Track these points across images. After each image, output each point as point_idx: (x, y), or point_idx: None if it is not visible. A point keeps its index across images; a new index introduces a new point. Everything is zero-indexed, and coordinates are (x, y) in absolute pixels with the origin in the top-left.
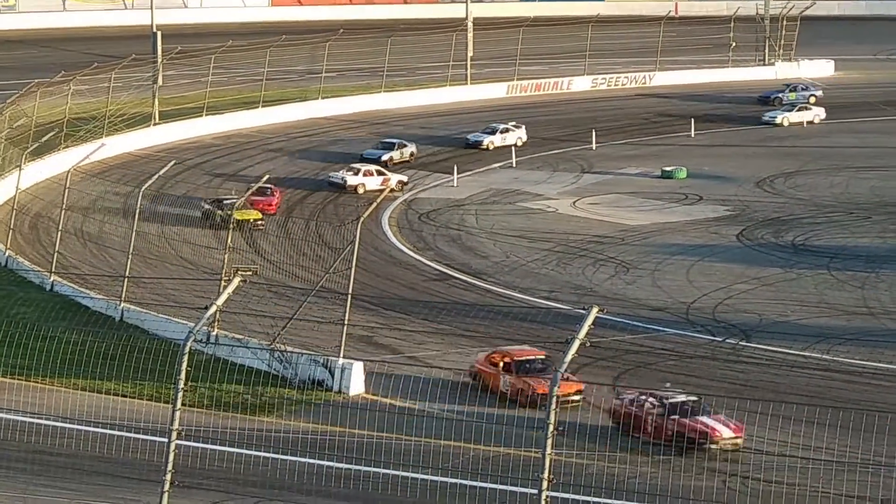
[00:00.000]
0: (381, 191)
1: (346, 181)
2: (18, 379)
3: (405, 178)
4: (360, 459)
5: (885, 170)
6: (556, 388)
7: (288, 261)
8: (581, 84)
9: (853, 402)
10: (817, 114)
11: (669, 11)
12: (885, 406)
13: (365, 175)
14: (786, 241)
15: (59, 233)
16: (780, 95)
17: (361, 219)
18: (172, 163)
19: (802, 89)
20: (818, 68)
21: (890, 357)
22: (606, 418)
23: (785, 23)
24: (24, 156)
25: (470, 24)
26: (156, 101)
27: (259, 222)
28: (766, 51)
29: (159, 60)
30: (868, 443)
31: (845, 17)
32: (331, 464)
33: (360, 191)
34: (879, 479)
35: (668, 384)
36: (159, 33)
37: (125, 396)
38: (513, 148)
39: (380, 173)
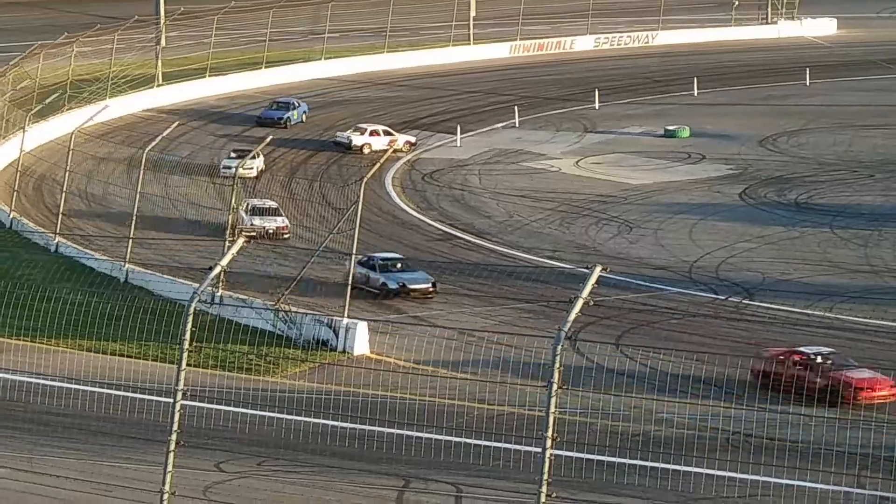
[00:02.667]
0: (386, 151)
1: (351, 141)
2: (24, 340)
3: (413, 139)
4: (363, 419)
5: (888, 128)
6: (559, 347)
7: (292, 221)
8: (584, 43)
9: (856, 360)
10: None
11: None
12: (888, 363)
13: (371, 135)
14: (789, 199)
15: (64, 194)
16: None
17: (365, 179)
18: (176, 124)
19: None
20: (821, 26)
21: (893, 315)
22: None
23: None
24: (27, 118)
25: None
26: (159, 63)
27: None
28: (769, 9)
29: (162, 22)
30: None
31: None
32: (335, 423)
33: (366, 151)
34: (882, 437)
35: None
36: None
37: (130, 357)
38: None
39: (387, 133)
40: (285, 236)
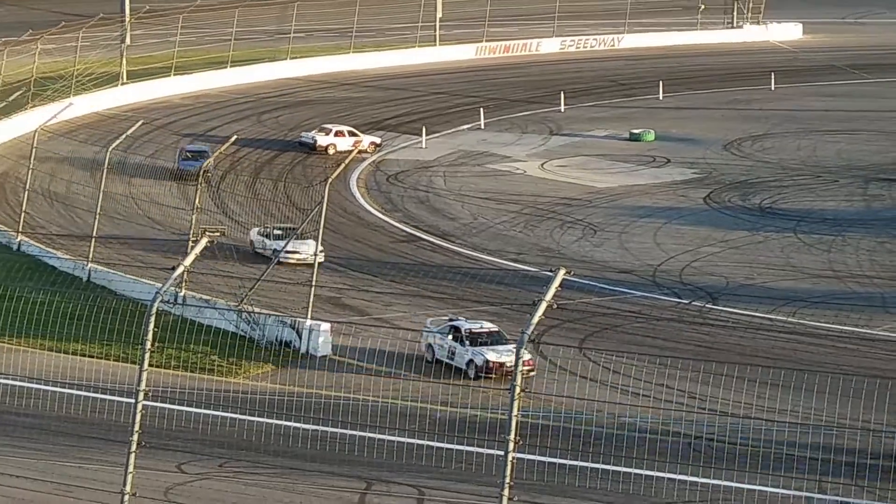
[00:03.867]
0: (351, 152)
1: (316, 141)
2: None
3: (378, 140)
4: (326, 420)
5: (852, 133)
6: (522, 350)
7: (256, 222)
8: (550, 46)
9: (818, 365)
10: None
11: None
12: (850, 368)
13: (336, 136)
14: (753, 203)
15: (27, 192)
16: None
17: (329, 180)
18: (140, 123)
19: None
20: (787, 31)
21: (855, 320)
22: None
23: None
24: None
25: None
26: (123, 61)
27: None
28: (735, 13)
29: (127, 20)
30: (832, 405)
31: None
32: (297, 424)
33: (331, 151)
34: (843, 441)
35: None
36: None
37: (92, 357)
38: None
39: (352, 134)
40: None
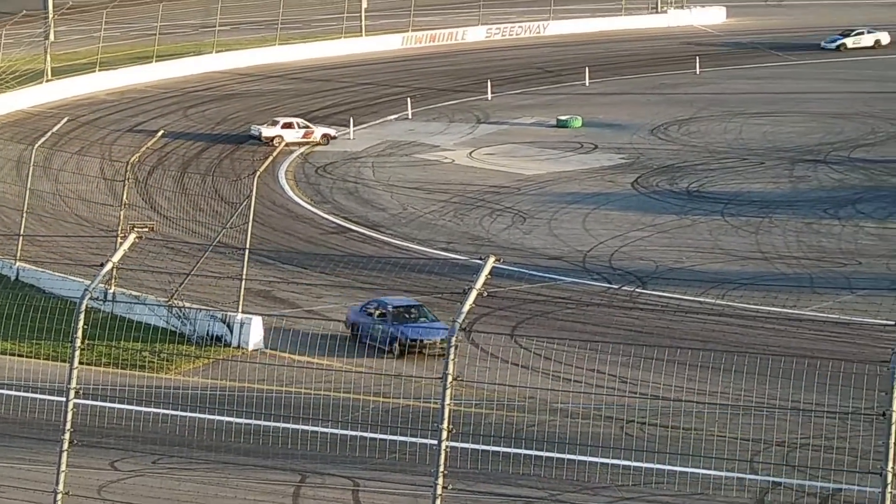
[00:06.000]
0: (303, 143)
1: (261, 133)
2: None
3: (333, 132)
4: (259, 414)
5: (777, 115)
6: (453, 339)
7: (185, 216)
8: (475, 34)
9: (748, 346)
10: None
11: None
12: (779, 349)
13: (283, 127)
14: (680, 187)
15: None
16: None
17: (258, 173)
18: (66, 119)
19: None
20: (710, 15)
21: (783, 301)
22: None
23: None
24: None
25: None
26: (48, 58)
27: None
28: None
29: (50, 16)
30: (762, 386)
31: None
32: (231, 419)
33: (277, 143)
34: (774, 422)
35: None
36: None
37: (21, 356)
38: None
39: (302, 126)
40: None
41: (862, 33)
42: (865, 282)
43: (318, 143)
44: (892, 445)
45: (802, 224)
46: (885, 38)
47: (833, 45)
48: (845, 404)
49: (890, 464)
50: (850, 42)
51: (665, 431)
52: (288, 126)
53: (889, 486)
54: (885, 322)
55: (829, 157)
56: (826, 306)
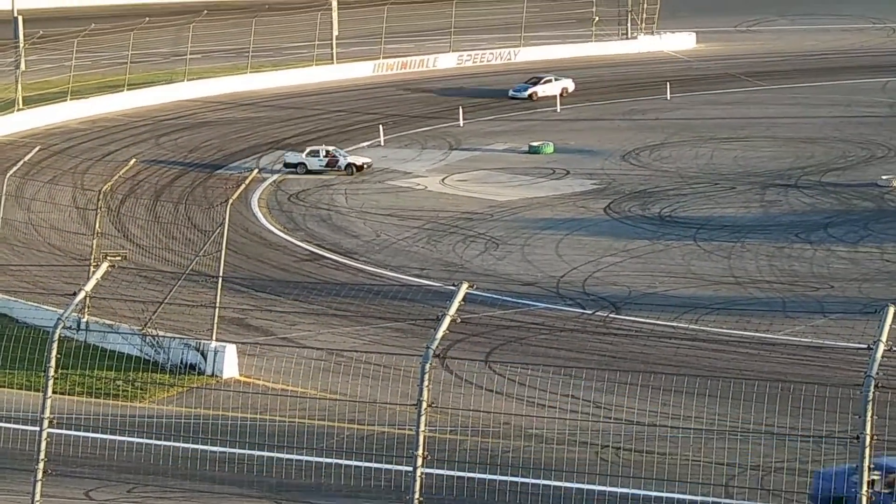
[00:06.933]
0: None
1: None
2: None
3: (369, 161)
4: (234, 442)
5: (748, 140)
6: (427, 365)
7: (158, 245)
8: (447, 61)
9: (722, 371)
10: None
11: None
12: (753, 374)
13: (310, 155)
14: (652, 213)
15: None
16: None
17: (231, 201)
18: (37, 149)
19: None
20: (680, 41)
21: (756, 325)
22: None
23: None
24: None
25: (335, 3)
26: (19, 87)
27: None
28: (629, 24)
29: (21, 45)
30: (737, 410)
31: None
32: (205, 447)
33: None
34: (748, 446)
35: None
36: (20, 18)
37: None
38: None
39: (328, 154)
40: None
41: (550, 80)
42: (838, 305)
43: (343, 173)
44: (865, 469)
45: (774, 248)
46: (570, 85)
47: (524, 94)
48: (819, 428)
49: (864, 487)
50: (539, 91)
51: (640, 456)
52: (314, 154)
53: None
54: (858, 345)
55: (799, 182)
56: (799, 330)
